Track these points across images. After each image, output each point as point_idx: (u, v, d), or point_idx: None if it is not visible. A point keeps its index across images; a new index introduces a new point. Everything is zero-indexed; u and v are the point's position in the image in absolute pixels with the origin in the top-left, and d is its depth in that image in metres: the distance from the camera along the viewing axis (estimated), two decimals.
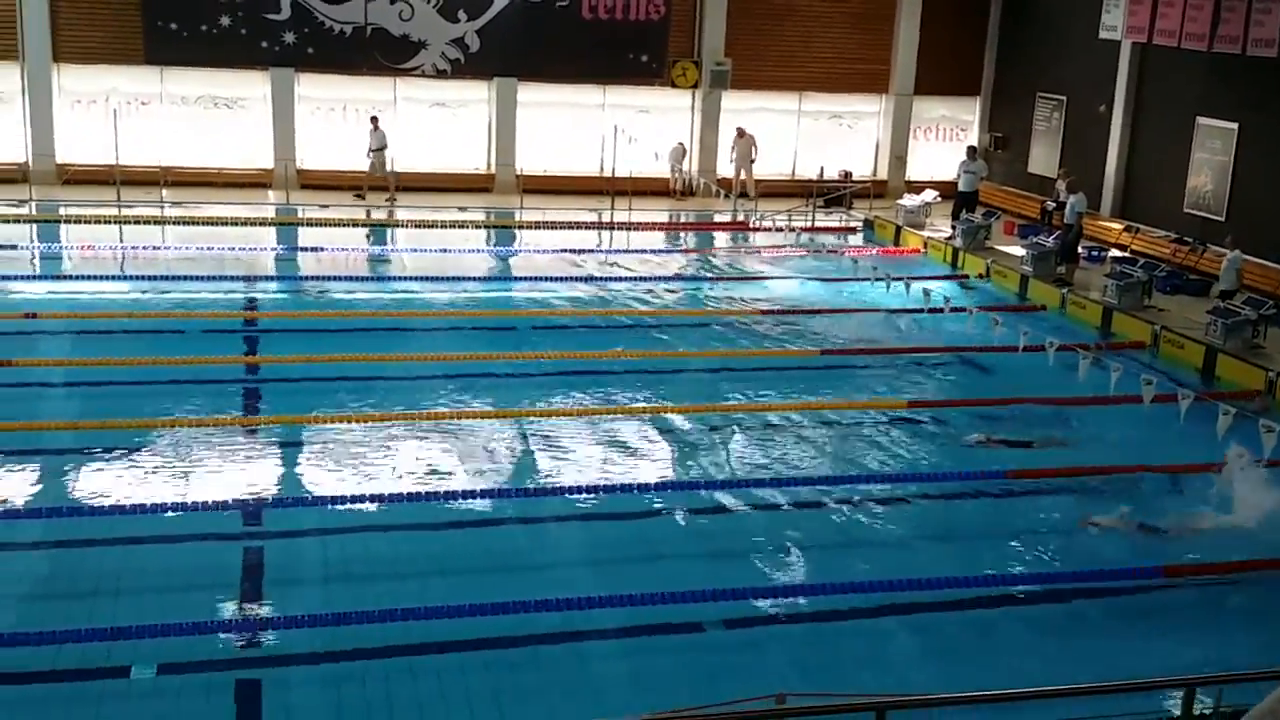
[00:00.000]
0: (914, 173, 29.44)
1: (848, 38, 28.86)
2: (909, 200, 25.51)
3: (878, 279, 19.30)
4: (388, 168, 25.36)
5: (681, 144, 27.56)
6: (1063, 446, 13.07)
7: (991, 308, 17.88)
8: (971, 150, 25.24)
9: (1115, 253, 21.99)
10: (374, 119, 25.48)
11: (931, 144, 29.93)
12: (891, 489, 11.91)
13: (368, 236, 23.11)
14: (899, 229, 24.62)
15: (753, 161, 27.25)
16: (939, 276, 21.14)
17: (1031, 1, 27.65)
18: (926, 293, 17.78)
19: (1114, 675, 7.55)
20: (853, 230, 25.58)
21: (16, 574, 9.60)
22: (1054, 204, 23.47)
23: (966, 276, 21.55)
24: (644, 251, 22.72)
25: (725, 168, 27.70)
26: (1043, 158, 26.80)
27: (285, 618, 9.00)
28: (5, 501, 10.50)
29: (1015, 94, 28.06)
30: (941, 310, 17.44)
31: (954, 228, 23.65)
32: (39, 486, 11.06)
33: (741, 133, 27.37)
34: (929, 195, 25.71)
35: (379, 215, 24.00)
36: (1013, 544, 10.88)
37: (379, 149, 25.28)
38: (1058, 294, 19.53)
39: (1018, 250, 21.97)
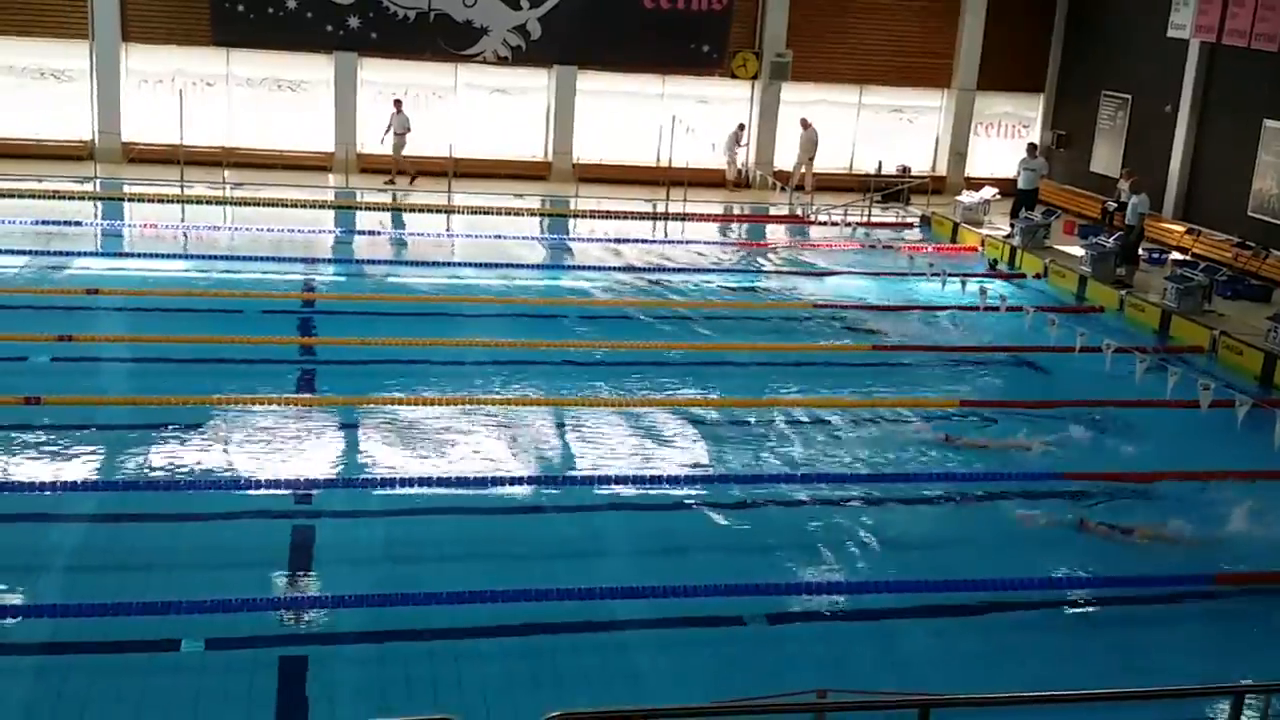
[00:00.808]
0: (974, 169, 29.15)
1: (911, 31, 28.60)
2: (968, 197, 25.27)
3: (933, 275, 19.15)
4: (404, 150, 25.46)
5: (741, 125, 27.48)
6: (1045, 449, 12.83)
7: (1048, 308, 17.67)
8: (1032, 147, 24.94)
9: (1176, 255, 21.66)
10: (397, 102, 25.58)
11: (993, 140, 29.61)
12: (938, 487, 11.82)
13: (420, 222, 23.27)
14: (956, 226, 24.40)
15: (812, 158, 27.11)
16: (996, 274, 20.93)
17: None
18: (983, 290, 17.63)
19: (1160, 682, 7.47)
20: (909, 226, 25.39)
21: (73, 546, 9.80)
22: (1115, 204, 23.15)
23: (1023, 275, 21.33)
24: (697, 243, 22.69)
25: (785, 160, 27.59)
26: (1105, 157, 26.42)
27: (332, 597, 9.13)
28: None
29: (1079, 92, 27.67)
30: (997, 309, 17.28)
31: (1013, 226, 23.39)
32: (97, 460, 11.28)
33: (806, 124, 27.24)
34: (988, 192, 25.45)
35: (434, 200, 24.12)
36: (1060, 546, 10.77)
37: (401, 132, 25.37)
38: (1116, 296, 19.27)
39: (1077, 250, 21.70)
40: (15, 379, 12.85)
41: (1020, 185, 24.09)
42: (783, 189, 24.74)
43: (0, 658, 8.13)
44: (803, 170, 26.96)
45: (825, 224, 23.90)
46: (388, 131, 25.41)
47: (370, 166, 26.26)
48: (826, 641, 9.11)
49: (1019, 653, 9.10)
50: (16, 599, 8.80)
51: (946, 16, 28.55)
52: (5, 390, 12.27)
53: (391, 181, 25.38)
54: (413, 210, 23.31)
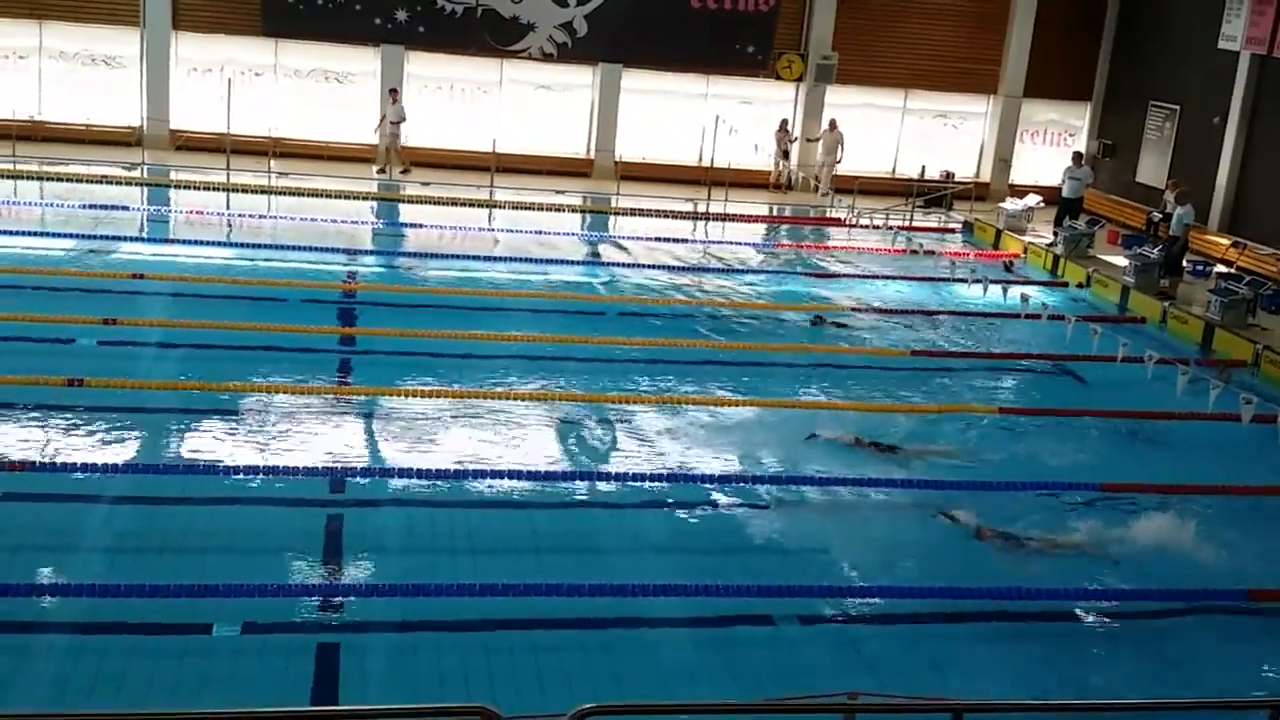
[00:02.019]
0: (1018, 176, 28.95)
1: (958, 36, 28.45)
2: (1011, 204, 25.10)
3: (974, 281, 19.04)
4: (400, 141, 25.52)
5: (785, 121, 27.43)
6: (949, 456, 12.68)
7: (1090, 317, 17.52)
8: (1077, 156, 24.73)
9: (1221, 268, 21.41)
10: (393, 91, 25.63)
11: (1038, 148, 29.40)
12: (975, 495, 11.74)
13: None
14: (999, 232, 24.24)
15: (838, 160, 27.01)
16: (1038, 282, 20.79)
17: (1149, 8, 26.98)
18: (1024, 298, 17.51)
19: (1199, 694, 7.39)
20: (951, 231, 25.25)
21: (111, 527, 9.91)
22: (1160, 215, 22.92)
23: (1066, 284, 21.17)
24: (737, 243, 22.67)
25: (808, 158, 27.55)
26: (1152, 167, 26.16)
27: (365, 585, 9.19)
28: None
29: (1127, 101, 27.41)
30: (1039, 317, 17.16)
31: (1056, 234, 23.20)
32: (137, 443, 11.42)
33: (833, 126, 27.17)
34: (1032, 200, 25.26)
35: (479, 195, 24.20)
36: (1097, 557, 10.67)
37: (396, 121, 25.41)
38: (1159, 307, 19.08)
39: (1120, 260, 21.51)
40: (61, 360, 13.02)
41: (1065, 194, 23.90)
42: (826, 193, 24.65)
43: (39, 635, 8.23)
44: (824, 170, 26.82)
45: (867, 227, 23.79)
46: (382, 121, 25.42)
47: (413, 159, 26.40)
48: (858, 643, 9.08)
49: (1051, 661, 9.02)
50: (56, 578, 8.91)
51: (994, 22, 28.37)
52: (50, 372, 12.44)
53: (384, 171, 25.39)
54: (454, 204, 23.40)
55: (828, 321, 16.66)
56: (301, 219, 21.23)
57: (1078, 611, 9.76)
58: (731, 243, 22.70)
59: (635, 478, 11.31)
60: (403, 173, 25.51)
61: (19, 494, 10.15)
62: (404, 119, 25.59)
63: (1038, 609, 9.63)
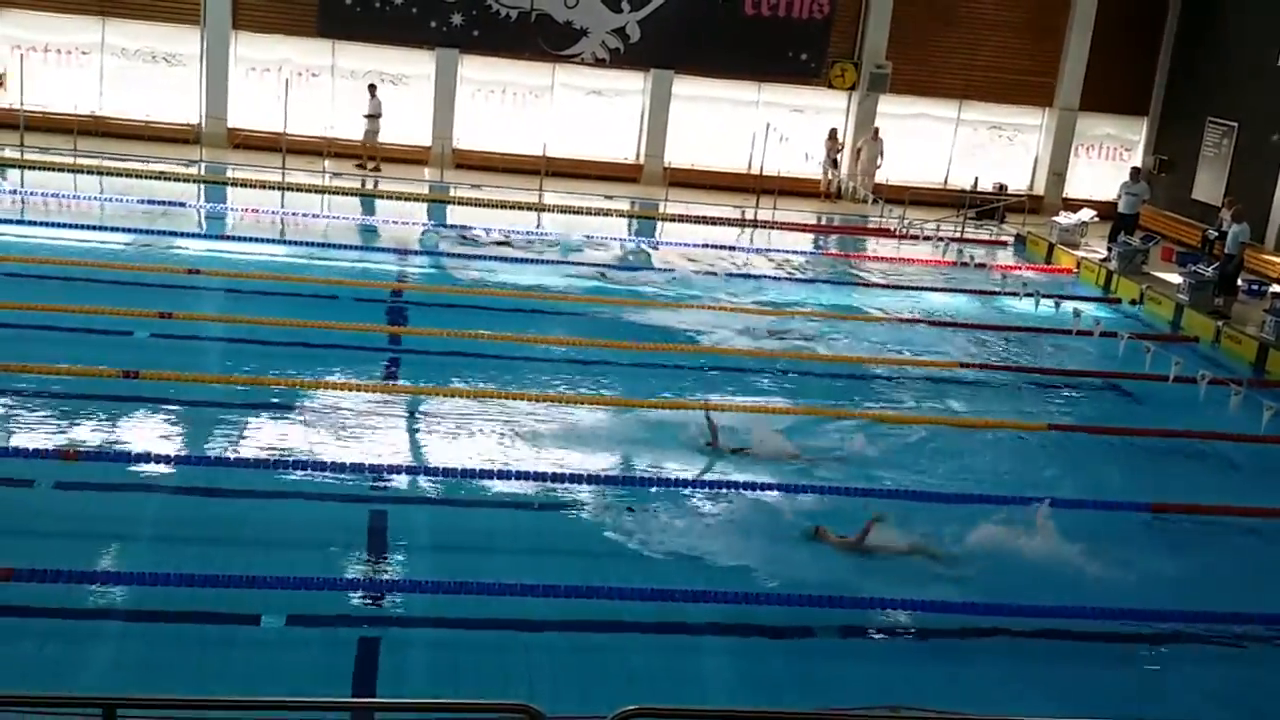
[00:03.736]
0: (1072, 190, 28.73)
1: (1014, 47, 28.28)
2: (1065, 218, 24.89)
3: (1026, 295, 18.90)
4: (379, 137, 25.59)
5: (834, 130, 27.38)
6: (841, 461, 12.49)
7: (1143, 335, 17.34)
8: (1135, 171, 24.48)
9: (1276, 288, 21.08)
10: (372, 87, 25.73)
11: (1093, 162, 29.16)
12: (1022, 512, 11.63)
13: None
14: (1052, 246, 24.04)
15: (878, 167, 26.92)
16: (1090, 298, 20.61)
17: (1208, 24, 26.67)
18: (1076, 313, 17.35)
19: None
20: (1004, 244, 25.08)
21: (162, 517, 10.05)
22: (1216, 233, 22.63)
23: (1119, 301, 20.96)
24: (785, 251, 22.63)
25: (880, 173, 27.40)
26: (1208, 184, 25.84)
27: (408, 581, 9.26)
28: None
29: (1184, 117, 27.10)
30: (1091, 333, 17.01)
31: (1110, 249, 22.99)
32: (189, 435, 11.59)
33: (875, 134, 27.07)
34: (1086, 214, 25.03)
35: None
36: (1146, 576, 10.56)
37: (373, 116, 25.48)
38: (1212, 326, 18.84)
39: (1174, 278, 21.27)
40: (117, 352, 13.23)
41: (1121, 209, 23.66)
42: (876, 201, 24.62)
43: (90, 622, 8.37)
44: (864, 178, 26.71)
45: (917, 238, 23.69)
46: (366, 117, 25.50)
47: (464, 162, 26.60)
48: (901, 657, 9.03)
49: (1105, 685, 8.95)
50: (108, 566, 9.05)
51: (1051, 34, 28.17)
52: (107, 363, 12.66)
53: (362, 166, 25.47)
54: (504, 207, 23.54)
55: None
56: (354, 218, 21.42)
57: (1125, 630, 9.64)
58: (778, 250, 22.64)
59: (675, 482, 11.31)
60: (373, 169, 25.51)
61: (74, 482, 10.32)
62: (380, 113, 25.59)
63: (1077, 627, 9.52)
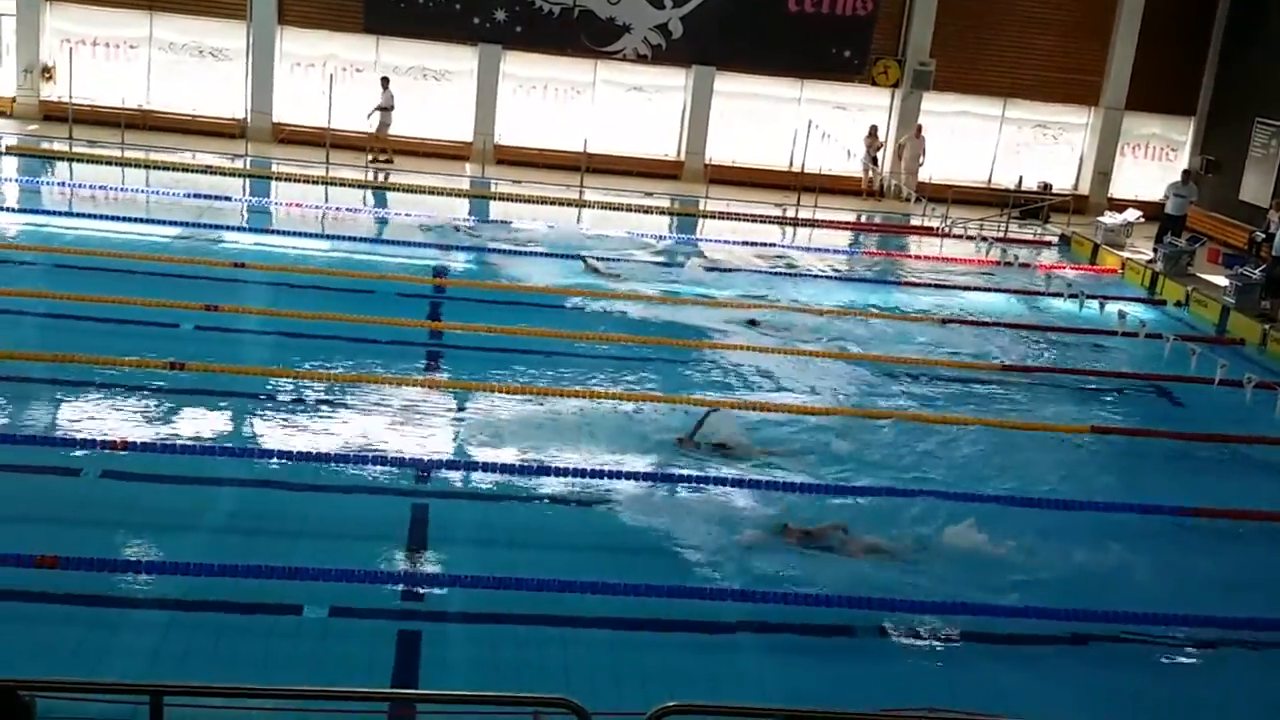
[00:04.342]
0: (1117, 190, 28.45)
1: (1060, 45, 28.04)
2: (1110, 218, 24.66)
3: (1070, 296, 18.74)
4: (390, 129, 25.61)
5: (874, 127, 27.26)
6: (770, 456, 12.28)
7: (1188, 337, 17.14)
8: (1185, 174, 24.22)
9: None
10: (384, 79, 25.75)
11: (1139, 162, 28.87)
12: (1063, 515, 11.55)
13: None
14: (1097, 247, 23.83)
15: (920, 165, 26.77)
16: (1135, 299, 20.41)
17: (1258, 23, 26.32)
18: (1121, 314, 17.20)
19: None
20: (1048, 244, 24.89)
21: (206, 507, 10.17)
22: (1263, 235, 22.35)
23: (1164, 302, 20.75)
24: (826, 250, 22.56)
25: (923, 171, 27.25)
26: (1255, 185, 25.51)
27: (448, 575, 9.30)
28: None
29: (1232, 117, 26.77)
30: (1135, 335, 16.84)
31: (1156, 250, 22.75)
32: (232, 426, 11.70)
33: (918, 132, 26.93)
34: (1132, 215, 24.79)
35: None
36: (1187, 580, 10.46)
37: (385, 109, 25.51)
38: (1259, 329, 18.61)
39: (1220, 280, 21.02)
40: (164, 344, 13.37)
41: (1168, 210, 23.42)
42: (918, 200, 24.49)
43: (135, 610, 8.47)
44: (906, 176, 26.57)
45: (960, 237, 23.54)
46: (375, 110, 25.54)
47: (505, 158, 26.69)
48: (937, 659, 8.99)
49: (1130, 689, 8.87)
50: (152, 555, 9.15)
51: (1098, 32, 27.90)
52: (154, 354, 12.82)
53: (375, 160, 25.54)
54: (544, 203, 23.60)
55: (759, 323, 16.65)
56: (395, 213, 21.57)
57: (1157, 635, 9.54)
58: (818, 249, 22.58)
59: (715, 480, 11.29)
60: (385, 161, 25.55)
61: (120, 472, 10.45)
62: (393, 106, 25.64)
63: (1109, 631, 9.44)
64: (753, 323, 16.69)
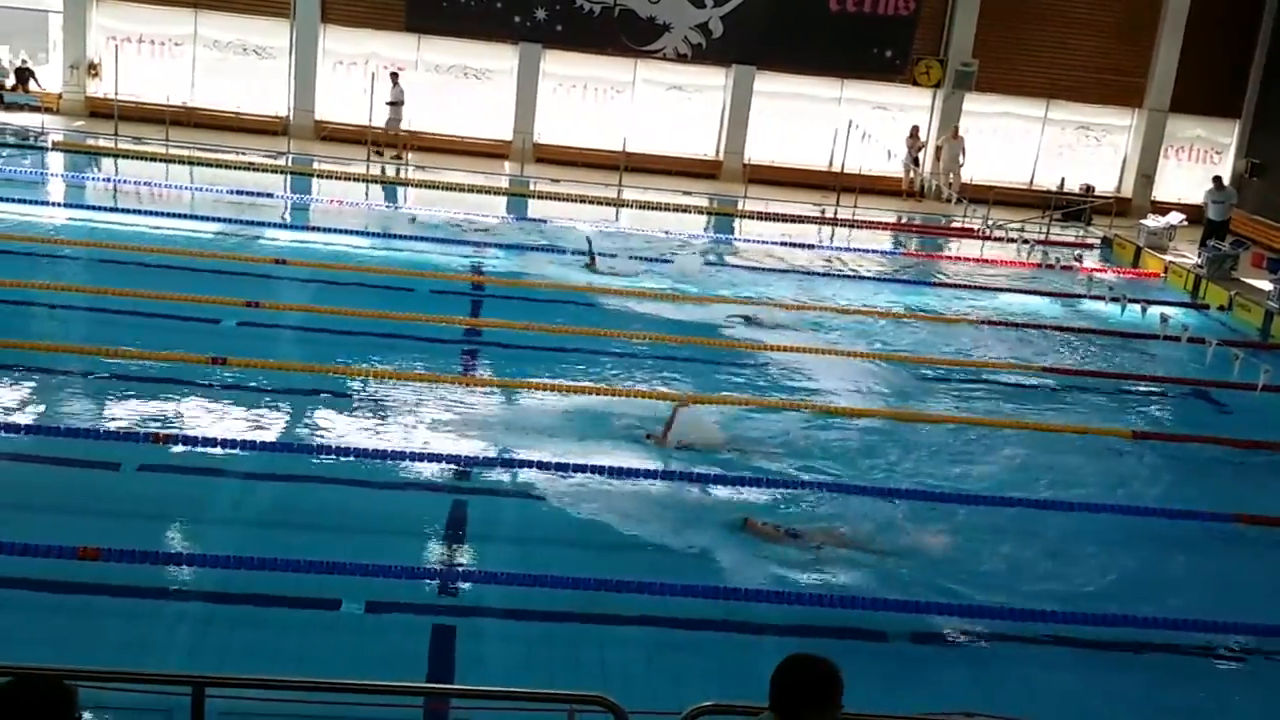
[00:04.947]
0: (1161, 193, 28.18)
1: (1104, 46, 27.81)
2: (1153, 221, 24.42)
3: (1112, 299, 18.58)
4: (402, 124, 25.64)
5: (916, 127, 27.13)
6: (741, 453, 12.13)
7: (1231, 342, 16.96)
8: (1217, 180, 23.94)
9: None
10: (394, 74, 25.78)
11: (1183, 164, 28.58)
12: (1103, 519, 11.44)
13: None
14: (1139, 250, 23.60)
15: (960, 165, 26.61)
16: (1178, 303, 20.20)
17: None
18: (1163, 318, 17.03)
19: None
20: (1089, 247, 24.68)
21: (246, 501, 10.26)
22: None
23: (1207, 306, 20.53)
24: (865, 250, 22.48)
25: (964, 171, 27.08)
26: None
27: (484, 572, 9.34)
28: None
29: (1278, 119, 26.41)
30: (1177, 339, 16.67)
31: (1199, 254, 22.51)
32: (273, 421, 11.80)
33: (955, 132, 26.76)
34: (1175, 217, 24.54)
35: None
36: (1228, 588, 10.34)
37: (396, 103, 25.56)
38: None
39: (1265, 284, 20.76)
40: (206, 339, 13.52)
41: (1211, 216, 23.16)
42: (959, 201, 24.36)
43: (174, 602, 8.55)
44: (949, 180, 26.42)
45: (1001, 239, 23.39)
46: (387, 104, 25.61)
47: (544, 156, 26.76)
48: (975, 664, 8.94)
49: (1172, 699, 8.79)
50: (191, 547, 9.25)
51: (1142, 33, 27.65)
52: (196, 349, 12.95)
53: (380, 153, 25.58)
54: (583, 202, 23.65)
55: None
56: (435, 211, 21.67)
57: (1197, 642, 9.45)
58: (857, 250, 22.50)
59: (751, 481, 11.28)
60: (394, 156, 25.58)
61: (161, 465, 10.56)
62: (403, 101, 25.70)
63: (1142, 638, 9.36)
64: (749, 319, 16.60)
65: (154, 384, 12.21)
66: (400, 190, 23.48)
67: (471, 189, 23.55)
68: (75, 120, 26.06)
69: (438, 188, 23.58)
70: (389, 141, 25.88)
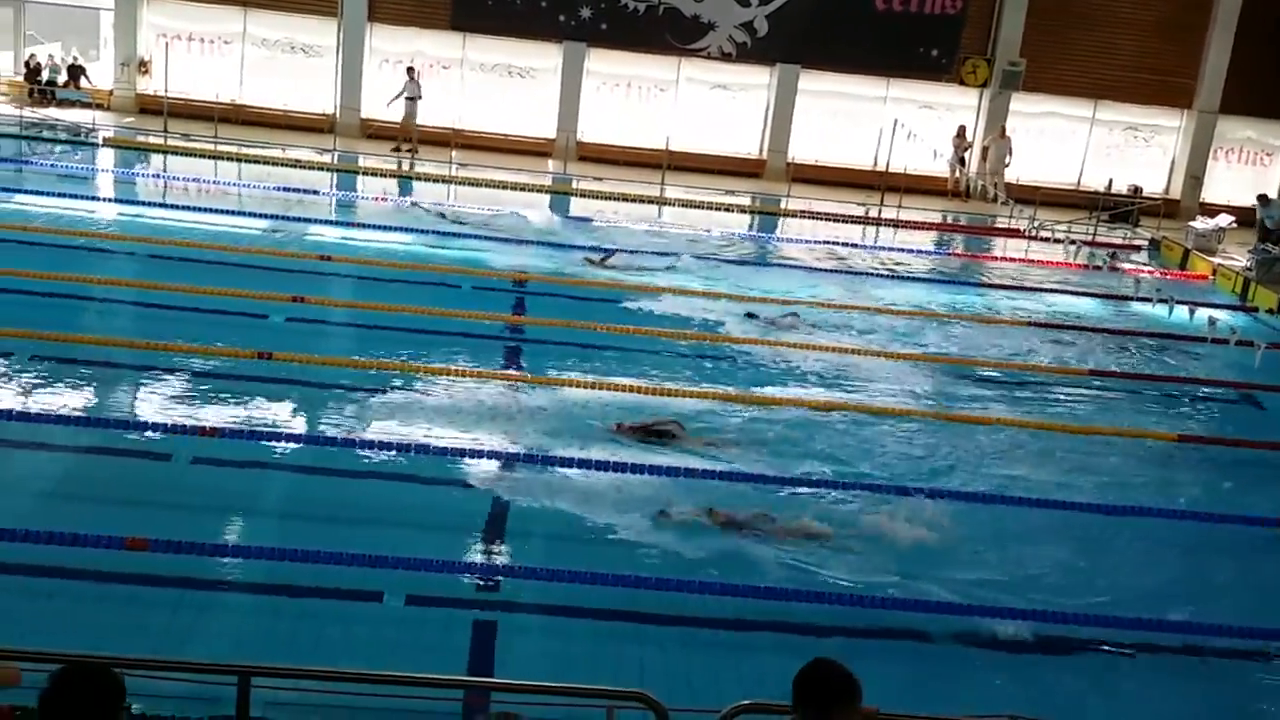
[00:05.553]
0: (1210, 195, 27.84)
1: (1153, 46, 27.50)
2: (1201, 223, 24.13)
3: (1159, 301, 18.37)
4: (416, 119, 25.66)
5: (962, 127, 26.95)
6: (714, 446, 12.01)
7: None
8: (1262, 198, 23.58)
9: None
10: (410, 69, 25.81)
11: (1232, 166, 28.21)
12: (1147, 523, 11.33)
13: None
14: (1187, 252, 23.33)
15: (1006, 165, 26.40)
16: (1226, 306, 19.96)
17: None
18: (1211, 321, 16.83)
19: None
20: (1137, 249, 24.42)
21: (291, 493, 10.38)
22: None
23: (1256, 309, 20.26)
24: (909, 250, 22.36)
25: (1010, 171, 26.87)
26: None
27: (524, 568, 9.38)
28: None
29: None
30: (1226, 342, 16.47)
31: (1249, 256, 22.21)
32: (318, 415, 11.92)
33: (1002, 132, 26.55)
34: (1224, 220, 24.23)
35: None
36: (1273, 595, 10.22)
37: (412, 98, 25.60)
38: None
39: None
40: (253, 334, 13.69)
41: (1270, 226, 22.83)
42: (1005, 202, 24.16)
43: (220, 593, 8.66)
44: (995, 180, 26.19)
45: (1047, 240, 23.19)
46: (398, 97, 25.65)
47: (588, 155, 26.82)
48: (1019, 667, 8.88)
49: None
50: (237, 539, 9.36)
51: (1191, 33, 27.32)
52: (243, 344, 13.12)
53: (398, 149, 25.62)
54: (625, 200, 23.68)
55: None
56: (478, 208, 21.79)
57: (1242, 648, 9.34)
58: (902, 249, 22.39)
59: (792, 481, 11.25)
60: (409, 150, 25.64)
61: (209, 458, 10.69)
62: (419, 96, 25.75)
63: (1189, 642, 9.26)
64: (750, 315, 16.53)
65: (202, 378, 12.37)
66: (445, 188, 23.60)
67: (515, 187, 23.65)
68: (125, 117, 26.42)
69: (482, 185, 23.69)
70: (404, 136, 26.05)
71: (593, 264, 18.69)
